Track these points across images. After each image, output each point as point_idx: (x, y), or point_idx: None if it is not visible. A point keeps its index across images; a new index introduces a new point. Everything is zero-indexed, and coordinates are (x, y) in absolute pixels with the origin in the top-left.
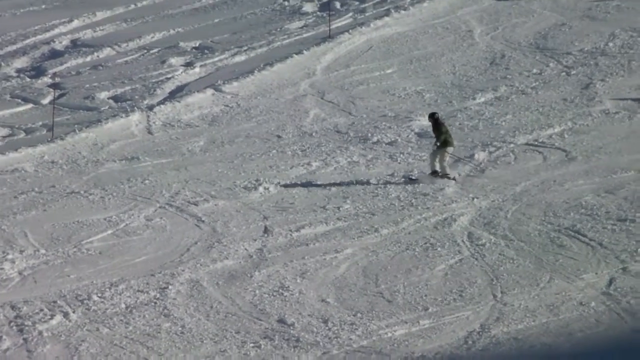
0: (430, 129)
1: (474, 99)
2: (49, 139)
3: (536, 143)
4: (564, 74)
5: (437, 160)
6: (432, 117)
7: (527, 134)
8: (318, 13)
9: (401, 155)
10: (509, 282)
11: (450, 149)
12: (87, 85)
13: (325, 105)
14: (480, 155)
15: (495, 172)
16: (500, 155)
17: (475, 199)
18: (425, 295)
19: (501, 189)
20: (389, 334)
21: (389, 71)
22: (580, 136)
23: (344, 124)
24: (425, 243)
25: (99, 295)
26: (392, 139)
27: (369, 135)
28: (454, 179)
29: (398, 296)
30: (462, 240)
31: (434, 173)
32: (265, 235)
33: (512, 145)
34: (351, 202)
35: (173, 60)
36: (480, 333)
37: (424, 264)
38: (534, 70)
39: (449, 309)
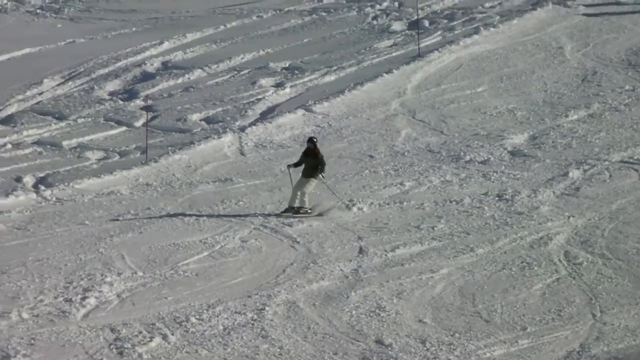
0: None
1: (567, 116)
2: (143, 162)
3: (631, 160)
4: None
5: (302, 191)
6: (312, 141)
7: (621, 151)
8: (407, 32)
9: (494, 174)
10: (608, 301)
11: (321, 177)
12: (179, 107)
13: (417, 124)
14: (575, 174)
15: (591, 190)
16: (594, 173)
17: (571, 218)
18: (523, 315)
19: (597, 207)
20: (488, 354)
21: (479, 89)
22: None
23: (435, 143)
24: (522, 262)
25: (197, 317)
26: (485, 158)
27: (462, 154)
28: (310, 211)
29: (496, 316)
30: (559, 259)
31: (292, 209)
32: (360, 255)
33: (606, 162)
34: (445, 222)
35: (263, 81)
36: (580, 353)
37: (521, 284)
38: (627, 87)
39: (547, 328)
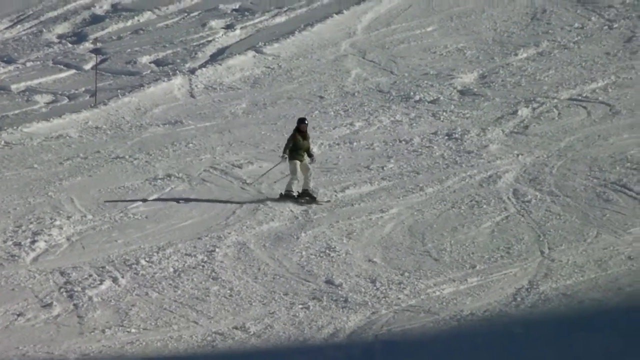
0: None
1: (516, 54)
2: (92, 105)
3: (580, 98)
4: (606, 27)
5: (309, 174)
6: (304, 122)
7: (570, 89)
8: None
9: (444, 113)
10: (556, 238)
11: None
12: (129, 50)
13: (367, 64)
14: (524, 112)
15: (539, 128)
16: (543, 111)
17: (520, 156)
18: (473, 253)
19: (545, 145)
20: (437, 293)
21: (429, 29)
22: (624, 90)
23: (385, 83)
24: (471, 201)
25: (147, 259)
26: (435, 97)
27: (411, 93)
28: (328, 201)
29: (445, 254)
30: (508, 197)
31: (305, 193)
32: None
33: (555, 100)
34: (395, 162)
35: (213, 23)
36: (529, 290)
37: (470, 222)
38: (576, 25)
39: (496, 266)
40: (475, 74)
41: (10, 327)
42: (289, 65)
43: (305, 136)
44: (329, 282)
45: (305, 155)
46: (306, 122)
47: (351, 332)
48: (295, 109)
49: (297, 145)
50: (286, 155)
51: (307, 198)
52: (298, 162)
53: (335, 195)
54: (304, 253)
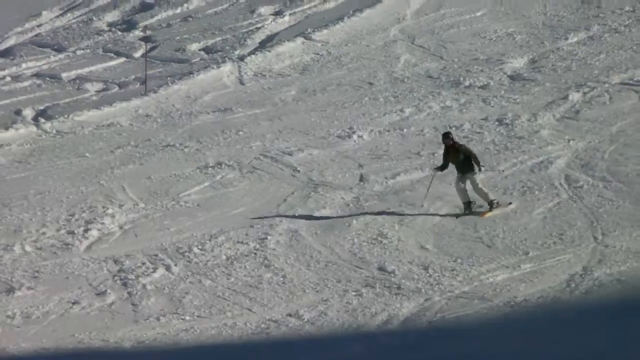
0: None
1: (566, 39)
2: (143, 93)
3: (631, 82)
4: None
5: (471, 188)
6: (448, 137)
7: (621, 73)
8: None
9: (494, 99)
10: (610, 224)
11: (476, 174)
12: (178, 38)
13: (416, 50)
14: (575, 97)
15: (591, 113)
16: (594, 96)
17: (572, 141)
18: (525, 240)
19: (597, 130)
20: (491, 279)
21: (479, 13)
22: None
23: (435, 69)
24: (523, 187)
25: (200, 247)
26: (485, 83)
27: (461, 79)
28: (498, 203)
29: (497, 241)
30: (560, 183)
31: (470, 204)
32: (361, 183)
33: (606, 85)
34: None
35: (262, 10)
36: (583, 276)
37: (523, 208)
38: (627, 8)
39: (549, 252)
40: (525, 59)
41: (66, 315)
42: (338, 51)
43: (449, 150)
44: (381, 269)
45: (468, 166)
46: (450, 135)
47: (405, 319)
48: (344, 96)
49: (447, 163)
50: (434, 173)
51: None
52: (456, 177)
53: (387, 182)
54: (355, 240)
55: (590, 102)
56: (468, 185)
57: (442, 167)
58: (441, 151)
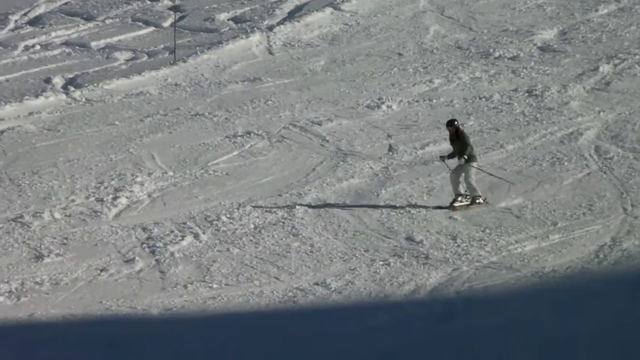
0: None
1: (597, 10)
2: (172, 62)
3: None
4: None
5: (462, 179)
6: (452, 124)
7: None
8: None
9: (524, 70)
10: (639, 195)
11: (475, 164)
12: (207, 7)
13: (445, 21)
14: (605, 68)
15: (621, 85)
16: (625, 68)
17: (601, 112)
18: (554, 210)
19: (627, 102)
20: (519, 250)
21: None
22: None
23: (464, 40)
24: (552, 158)
25: (228, 216)
26: (514, 54)
27: (491, 50)
28: (485, 200)
29: (526, 212)
30: (590, 154)
31: (458, 197)
32: (390, 153)
33: (637, 56)
34: (475, 119)
35: None
36: (612, 247)
37: (552, 179)
38: None
39: (578, 223)
40: (555, 30)
41: (94, 282)
42: (367, 22)
43: (453, 138)
44: (409, 238)
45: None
46: (454, 122)
47: (432, 289)
48: (373, 66)
49: (453, 147)
50: (445, 162)
51: (460, 200)
52: (457, 166)
53: (415, 152)
54: (384, 210)
55: (621, 74)
56: (462, 178)
57: (451, 155)
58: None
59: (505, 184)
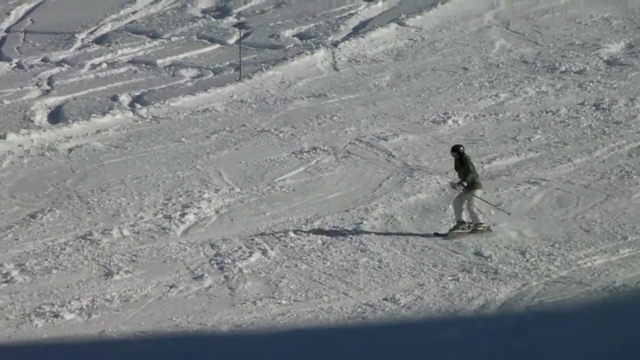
0: None
1: None
2: (237, 78)
3: None
4: None
5: (465, 207)
6: (457, 150)
7: None
8: None
9: (591, 84)
10: None
11: (479, 192)
12: (272, 24)
13: (511, 35)
14: None
15: None
16: None
17: None
18: (624, 224)
19: None
20: (589, 264)
21: None
22: None
23: (530, 54)
24: (621, 171)
25: (296, 232)
26: (581, 68)
27: (557, 64)
28: (488, 228)
29: (595, 226)
30: None
31: (461, 225)
32: None
33: None
34: (542, 133)
35: None
36: None
37: (620, 193)
38: None
39: None
40: (622, 44)
41: (163, 299)
42: (432, 37)
43: (456, 164)
44: (478, 253)
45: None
46: (459, 148)
47: (502, 304)
48: (439, 81)
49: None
50: (465, 183)
51: (461, 228)
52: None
53: (482, 167)
54: (452, 225)
55: None
56: (465, 205)
57: (460, 183)
58: None
59: (574, 197)
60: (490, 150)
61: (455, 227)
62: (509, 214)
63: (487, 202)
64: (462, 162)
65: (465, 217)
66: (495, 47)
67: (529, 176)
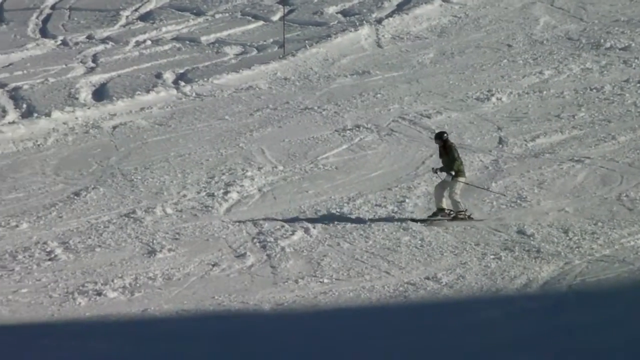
0: None
1: None
2: (281, 56)
3: None
4: None
5: (446, 194)
6: (440, 137)
7: None
8: None
9: (636, 61)
10: None
11: (462, 179)
12: (316, 1)
13: (555, 11)
14: None
15: None
16: None
17: None
18: None
19: None
20: (632, 243)
21: None
22: None
23: (575, 31)
24: None
25: (338, 210)
26: (626, 44)
27: (602, 40)
28: (470, 216)
29: (639, 204)
30: None
31: (440, 212)
32: (500, 145)
33: None
34: (586, 110)
35: None
36: None
37: None
38: None
39: None
40: None
41: (206, 277)
42: (476, 13)
43: (441, 152)
44: (520, 232)
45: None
46: (442, 135)
47: (544, 283)
48: (483, 58)
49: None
50: (438, 173)
51: (440, 215)
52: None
53: (526, 145)
54: (494, 203)
55: None
56: (447, 192)
57: (443, 168)
58: None
59: (618, 175)
60: (533, 127)
61: (434, 214)
62: (487, 189)
63: (472, 184)
64: (446, 150)
65: (445, 204)
66: (540, 24)
67: (572, 154)
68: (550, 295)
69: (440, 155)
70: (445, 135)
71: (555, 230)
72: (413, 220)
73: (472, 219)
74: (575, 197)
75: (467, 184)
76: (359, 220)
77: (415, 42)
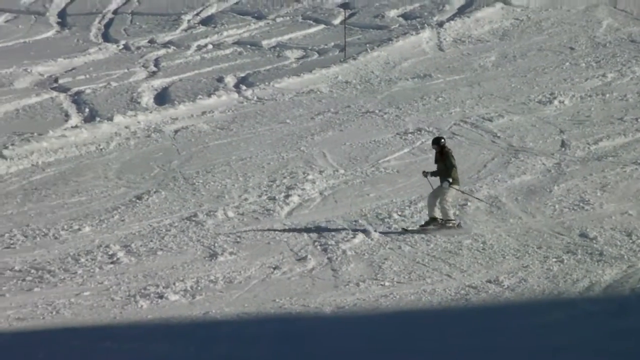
0: None
1: None
2: (342, 59)
3: None
4: None
5: (439, 202)
6: (437, 143)
7: None
8: None
9: None
10: None
11: (456, 187)
12: (377, 4)
13: (619, 14)
14: None
15: None
16: None
17: None
18: None
19: None
20: None
21: None
22: None
23: (638, 33)
24: None
25: (399, 213)
26: None
27: None
28: (458, 225)
29: None
30: None
31: (433, 221)
32: (563, 149)
33: None
34: None
35: None
36: None
37: None
38: None
39: None
40: None
41: (267, 280)
42: (538, 16)
43: (438, 157)
44: (583, 235)
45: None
46: (440, 141)
47: (607, 286)
48: (545, 61)
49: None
50: (428, 178)
51: (432, 225)
52: (436, 187)
53: (589, 148)
54: (557, 206)
55: None
56: (439, 201)
57: (435, 173)
58: None
59: None
60: (596, 131)
61: (427, 223)
62: (480, 199)
63: (465, 193)
64: (442, 156)
65: (438, 213)
66: (602, 26)
67: (636, 157)
68: (613, 298)
69: (436, 161)
70: (443, 140)
71: (618, 234)
72: (405, 230)
73: (460, 227)
74: (638, 200)
75: (462, 192)
76: (420, 223)
77: (477, 45)
